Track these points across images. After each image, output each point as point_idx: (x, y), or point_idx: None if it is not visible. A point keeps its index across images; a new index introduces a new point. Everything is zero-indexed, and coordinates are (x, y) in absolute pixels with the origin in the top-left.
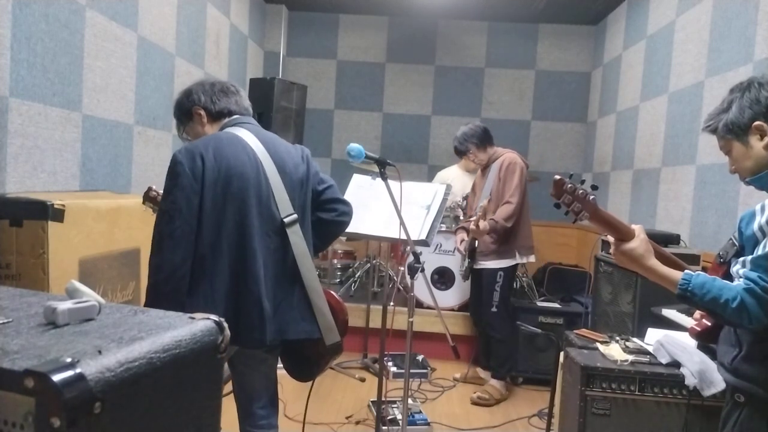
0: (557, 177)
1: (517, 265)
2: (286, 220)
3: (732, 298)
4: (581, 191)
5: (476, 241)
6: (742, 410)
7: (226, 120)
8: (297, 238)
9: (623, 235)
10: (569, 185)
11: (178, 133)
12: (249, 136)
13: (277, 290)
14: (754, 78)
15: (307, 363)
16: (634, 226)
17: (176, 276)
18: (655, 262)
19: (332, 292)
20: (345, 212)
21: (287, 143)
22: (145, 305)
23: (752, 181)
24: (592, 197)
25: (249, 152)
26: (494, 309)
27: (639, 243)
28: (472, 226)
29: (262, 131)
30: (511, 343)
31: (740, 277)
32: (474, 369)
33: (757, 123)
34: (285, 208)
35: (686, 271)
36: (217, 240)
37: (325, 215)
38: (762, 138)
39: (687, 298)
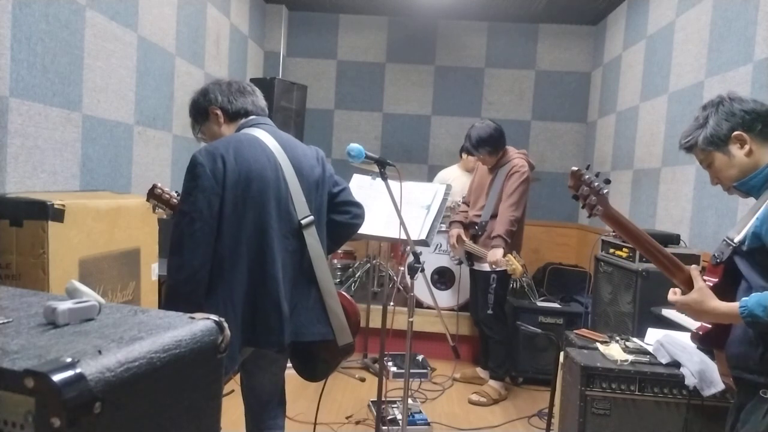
0: (575, 168)
1: None
2: (303, 221)
3: None
4: (597, 183)
5: (471, 242)
6: None
7: (243, 120)
8: (313, 240)
9: (676, 271)
10: (587, 176)
11: (193, 132)
12: (267, 138)
13: (293, 292)
14: (722, 95)
15: (319, 364)
16: (690, 269)
17: (196, 278)
18: (716, 304)
19: (344, 293)
20: (358, 215)
21: (303, 144)
22: (163, 307)
23: (739, 185)
24: (606, 191)
25: (268, 154)
26: (490, 311)
27: (698, 293)
28: (489, 260)
29: (279, 132)
30: (509, 345)
31: None
32: (474, 368)
33: (736, 132)
34: (302, 209)
35: (742, 299)
36: (236, 242)
37: (339, 217)
38: (742, 146)
39: (756, 323)
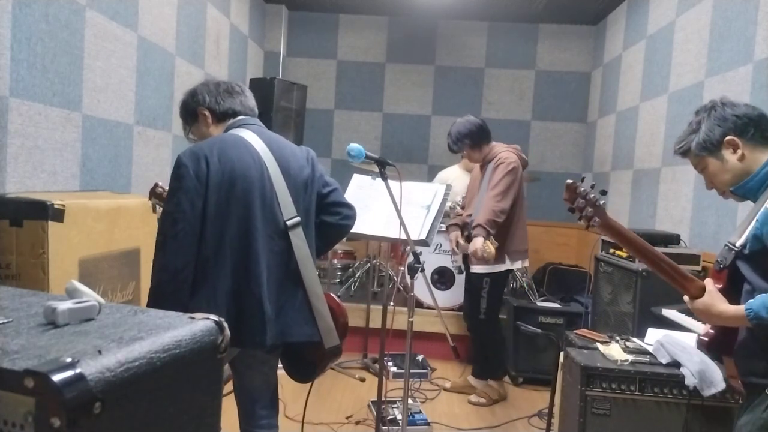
0: (569, 181)
1: (508, 271)
2: (288, 222)
3: None
4: (593, 195)
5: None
6: None
7: (231, 121)
8: (299, 241)
9: (683, 280)
10: (582, 188)
11: (184, 133)
12: (254, 138)
13: (280, 293)
14: (715, 100)
15: (307, 365)
16: (706, 283)
17: (179, 278)
18: (724, 308)
19: (332, 294)
20: (348, 216)
21: (292, 145)
22: (148, 306)
23: (736, 189)
24: (602, 202)
25: (253, 154)
26: (482, 316)
27: (708, 296)
28: (470, 250)
29: (267, 132)
30: (501, 346)
31: None
32: (465, 378)
33: (728, 137)
34: (288, 210)
35: (748, 301)
36: (220, 242)
37: (329, 218)
38: (735, 151)
39: (761, 326)
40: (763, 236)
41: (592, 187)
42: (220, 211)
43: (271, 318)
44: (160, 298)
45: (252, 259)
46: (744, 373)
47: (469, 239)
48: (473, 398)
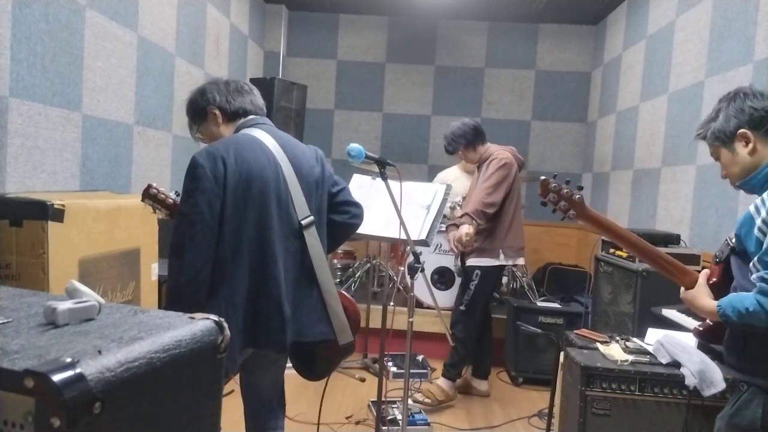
0: (542, 177)
1: (501, 266)
2: (303, 222)
3: (750, 303)
4: (566, 190)
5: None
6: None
7: (242, 120)
8: (313, 240)
9: (679, 274)
10: (554, 184)
11: (190, 132)
12: (267, 138)
13: (295, 293)
14: (740, 88)
15: (320, 363)
16: (700, 275)
17: (197, 279)
18: (706, 302)
19: (344, 292)
20: (357, 215)
21: (302, 144)
22: (165, 308)
23: (742, 185)
24: (578, 196)
25: (268, 154)
26: (462, 307)
27: (695, 290)
28: (455, 239)
29: (278, 132)
30: (467, 347)
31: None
32: (465, 377)
33: (741, 131)
34: (302, 210)
35: (720, 299)
36: (237, 244)
37: (338, 217)
38: (746, 145)
39: (728, 323)
40: (742, 236)
41: (567, 182)
42: (237, 212)
43: (289, 318)
44: (177, 301)
45: (269, 260)
46: (726, 365)
47: None
48: (418, 396)
